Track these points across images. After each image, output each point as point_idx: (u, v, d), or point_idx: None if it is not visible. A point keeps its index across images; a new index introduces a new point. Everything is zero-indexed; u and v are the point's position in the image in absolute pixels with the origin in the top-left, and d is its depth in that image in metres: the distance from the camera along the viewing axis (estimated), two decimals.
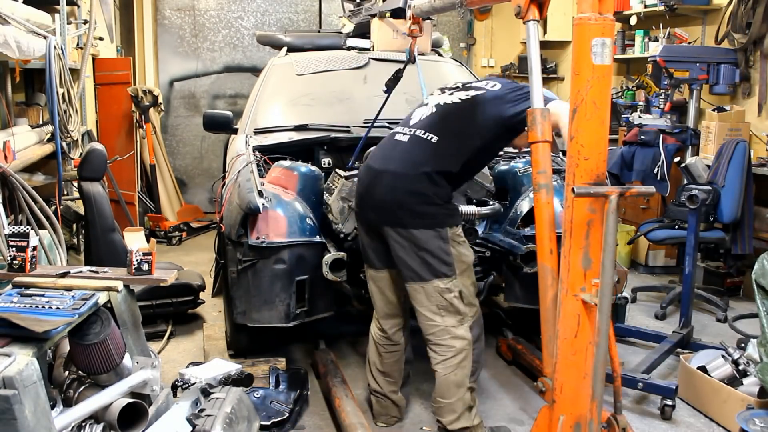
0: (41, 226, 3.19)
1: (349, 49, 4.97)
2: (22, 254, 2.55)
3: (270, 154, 3.78)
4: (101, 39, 5.67)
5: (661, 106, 5.44)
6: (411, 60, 3.57)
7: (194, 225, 6.71)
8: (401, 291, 2.93)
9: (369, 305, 3.55)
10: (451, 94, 2.92)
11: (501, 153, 3.92)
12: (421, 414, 3.23)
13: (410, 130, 2.85)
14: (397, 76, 3.57)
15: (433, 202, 2.72)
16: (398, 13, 4.64)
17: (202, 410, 2.51)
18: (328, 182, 3.56)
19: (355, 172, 3.50)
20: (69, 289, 2.43)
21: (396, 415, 3.14)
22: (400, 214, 2.72)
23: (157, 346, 3.85)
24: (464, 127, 2.80)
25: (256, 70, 6.40)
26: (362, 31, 5.13)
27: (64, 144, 3.92)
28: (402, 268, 2.78)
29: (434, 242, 2.70)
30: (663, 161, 5.12)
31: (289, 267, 3.23)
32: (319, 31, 6.08)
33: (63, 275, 2.55)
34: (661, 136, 5.20)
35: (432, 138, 2.77)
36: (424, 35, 3.60)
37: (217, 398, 2.60)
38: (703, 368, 3.33)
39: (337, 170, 3.55)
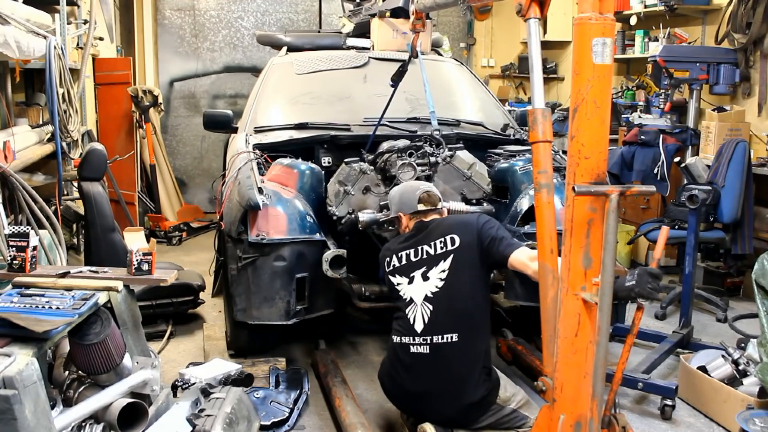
0: (41, 226, 3.19)
1: (349, 48, 4.97)
2: (22, 254, 2.55)
3: (270, 152, 3.79)
4: (101, 39, 5.67)
5: (661, 106, 5.44)
6: (414, 55, 3.62)
7: (194, 225, 6.71)
8: None
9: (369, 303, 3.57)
10: (426, 278, 2.71)
11: (501, 151, 3.94)
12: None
13: (425, 339, 2.64)
14: (402, 70, 3.66)
15: (491, 395, 2.64)
16: (398, 13, 4.65)
17: (202, 410, 2.51)
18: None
19: (356, 158, 3.56)
20: (69, 289, 2.44)
21: None
22: (466, 422, 2.64)
23: (157, 346, 3.85)
24: (468, 296, 2.65)
25: (256, 70, 6.40)
26: (362, 30, 5.13)
27: (64, 144, 3.92)
28: None
29: (501, 413, 2.66)
30: (663, 161, 5.13)
31: (289, 264, 3.23)
32: (319, 31, 6.09)
33: (63, 275, 2.55)
34: (661, 136, 5.20)
35: (452, 337, 2.61)
36: (424, 34, 3.62)
37: (217, 398, 2.60)
38: (703, 368, 3.32)
39: (346, 160, 3.57)
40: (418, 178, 3.42)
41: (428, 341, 2.63)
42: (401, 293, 2.76)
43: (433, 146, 3.62)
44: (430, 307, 2.66)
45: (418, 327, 2.66)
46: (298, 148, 3.89)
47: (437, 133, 3.66)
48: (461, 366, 2.60)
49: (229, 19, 7.67)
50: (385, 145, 3.65)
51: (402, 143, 3.60)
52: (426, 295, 2.68)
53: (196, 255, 5.82)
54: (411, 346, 2.66)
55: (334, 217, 3.42)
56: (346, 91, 4.42)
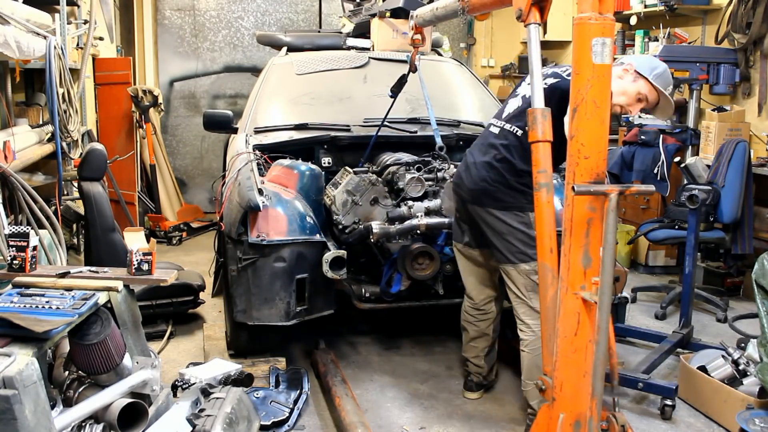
0: (41, 226, 3.19)
1: (349, 48, 4.97)
2: (22, 254, 2.55)
3: (270, 153, 3.79)
4: (101, 39, 5.67)
5: None
6: (412, 69, 3.63)
7: (194, 225, 6.70)
8: (493, 268, 3.10)
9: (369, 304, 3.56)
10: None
11: None
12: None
13: (501, 123, 2.98)
14: (401, 82, 3.69)
15: (515, 188, 2.86)
16: (398, 13, 4.65)
17: (202, 410, 2.52)
18: (335, 178, 3.64)
19: (365, 168, 3.56)
20: (69, 289, 2.44)
21: (478, 380, 3.34)
22: (485, 200, 2.91)
23: (157, 346, 3.85)
24: None
25: (256, 70, 6.40)
26: (362, 30, 5.14)
27: (64, 144, 3.92)
28: (493, 249, 2.95)
29: (517, 226, 2.85)
30: (663, 161, 5.12)
31: (289, 265, 3.24)
32: (319, 31, 6.09)
33: (63, 275, 2.55)
34: (661, 136, 5.20)
35: (517, 131, 2.88)
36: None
37: (217, 398, 2.60)
38: (703, 368, 3.32)
39: (347, 167, 3.61)
40: (425, 193, 3.46)
41: (501, 126, 2.96)
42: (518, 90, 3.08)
43: (439, 162, 3.64)
44: (520, 104, 2.93)
45: (505, 113, 3.00)
46: (298, 148, 3.89)
47: (443, 151, 3.71)
48: (509, 149, 2.88)
49: (229, 19, 7.67)
50: (386, 157, 3.66)
51: (409, 158, 3.63)
52: (525, 95, 2.90)
53: (196, 255, 5.82)
54: (491, 126, 3.04)
55: (340, 226, 3.42)
56: (346, 92, 4.42)
